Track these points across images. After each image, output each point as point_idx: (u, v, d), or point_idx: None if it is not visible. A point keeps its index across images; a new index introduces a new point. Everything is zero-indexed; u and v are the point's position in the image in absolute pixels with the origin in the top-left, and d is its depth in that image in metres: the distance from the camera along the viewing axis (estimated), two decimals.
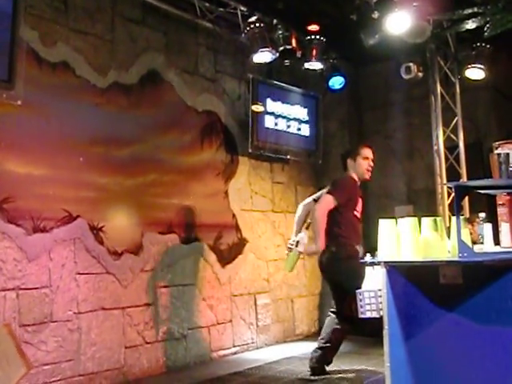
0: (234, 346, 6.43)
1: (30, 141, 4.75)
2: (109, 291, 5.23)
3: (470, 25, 6.28)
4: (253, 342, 6.66)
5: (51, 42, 4.94)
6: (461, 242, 3.11)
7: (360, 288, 4.17)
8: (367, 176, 5.24)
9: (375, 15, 6.00)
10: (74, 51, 5.12)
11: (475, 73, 6.80)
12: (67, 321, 4.87)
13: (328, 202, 5.00)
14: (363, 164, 5.19)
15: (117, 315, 5.27)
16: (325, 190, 5.20)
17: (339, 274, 5.00)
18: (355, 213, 5.19)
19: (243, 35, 6.10)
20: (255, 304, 6.76)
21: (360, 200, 5.22)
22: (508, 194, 3.39)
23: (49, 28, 4.93)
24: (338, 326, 5.05)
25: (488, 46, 6.63)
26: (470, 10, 6.07)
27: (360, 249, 5.08)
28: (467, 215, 6.25)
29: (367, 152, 5.23)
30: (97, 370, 5.04)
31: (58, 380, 4.75)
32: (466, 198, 6.38)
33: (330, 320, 5.15)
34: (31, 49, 4.77)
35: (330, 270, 5.13)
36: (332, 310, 5.16)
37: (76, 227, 5.02)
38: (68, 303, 4.89)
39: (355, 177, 5.22)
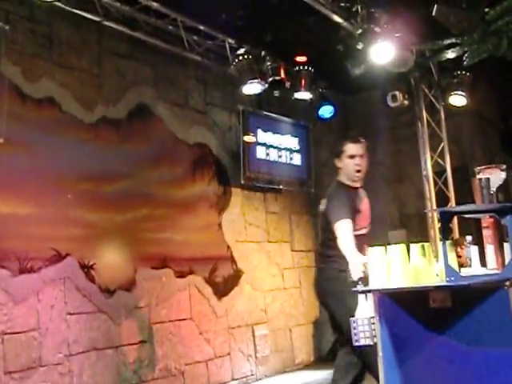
0: (233, 380, 5.88)
1: (15, 179, 4.26)
2: (101, 330, 4.69)
3: (450, 54, 6.21)
4: (252, 374, 6.10)
5: (35, 77, 4.48)
6: (448, 267, 3.01)
7: (353, 316, 3.71)
8: (356, 178, 3.84)
9: (360, 46, 5.78)
10: (59, 86, 4.65)
11: (458, 99, 6.62)
12: (57, 364, 4.33)
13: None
14: (350, 164, 3.81)
15: (110, 355, 4.72)
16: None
17: (327, 296, 3.89)
18: (355, 232, 3.80)
19: (232, 67, 5.69)
20: (253, 335, 6.21)
21: (364, 209, 3.88)
22: (491, 216, 3.19)
23: (32, 63, 4.48)
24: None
25: (468, 73, 6.50)
26: (448, 41, 5.97)
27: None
28: (456, 238, 6.01)
29: (352, 148, 3.84)
30: None
31: None
32: (456, 222, 6.17)
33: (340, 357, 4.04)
34: (14, 85, 4.29)
35: (318, 291, 3.99)
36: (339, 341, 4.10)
37: (65, 266, 4.51)
38: (58, 345, 4.35)
39: (346, 181, 3.87)
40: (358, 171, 3.83)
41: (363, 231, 3.82)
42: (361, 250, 3.67)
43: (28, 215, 4.29)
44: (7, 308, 4.06)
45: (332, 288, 3.78)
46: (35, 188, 4.36)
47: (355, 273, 3.40)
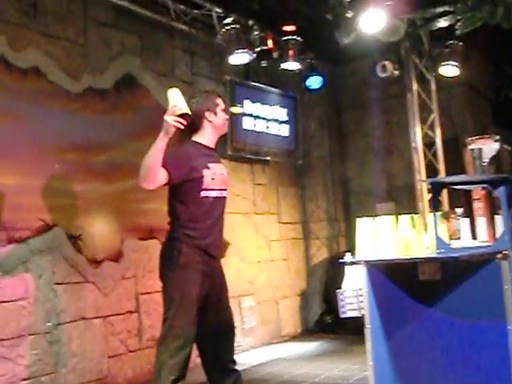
0: None
1: (2, 149, 4.39)
2: (89, 300, 4.90)
3: (442, 23, 6.22)
4: (238, 346, 6.31)
5: (21, 47, 4.58)
6: (438, 239, 3.10)
7: (339, 288, 3.89)
8: (226, 130, 3.87)
9: (349, 14, 5.85)
10: (45, 56, 4.76)
11: (449, 70, 6.69)
12: (46, 333, 4.53)
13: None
14: (223, 117, 3.74)
15: (98, 324, 4.95)
16: None
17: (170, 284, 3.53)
18: (205, 193, 3.54)
19: (219, 37, 5.83)
20: (240, 307, 6.44)
21: (217, 171, 3.64)
22: (483, 188, 3.29)
23: (18, 33, 4.58)
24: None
25: (460, 43, 6.52)
26: (441, 9, 6.00)
27: (212, 246, 3.62)
28: (446, 210, 6.14)
29: (223, 103, 3.80)
30: (78, 382, 4.71)
31: None
32: (446, 194, 6.24)
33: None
34: None
35: (161, 276, 3.59)
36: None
37: (53, 236, 4.69)
38: (47, 315, 4.56)
39: (206, 139, 3.68)
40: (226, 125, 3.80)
41: (215, 194, 3.59)
42: (210, 214, 3.57)
43: (15, 185, 4.43)
44: None
45: (163, 269, 3.58)
46: (22, 158, 4.51)
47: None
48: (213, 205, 3.60)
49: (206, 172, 3.56)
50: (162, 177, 3.44)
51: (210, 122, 3.68)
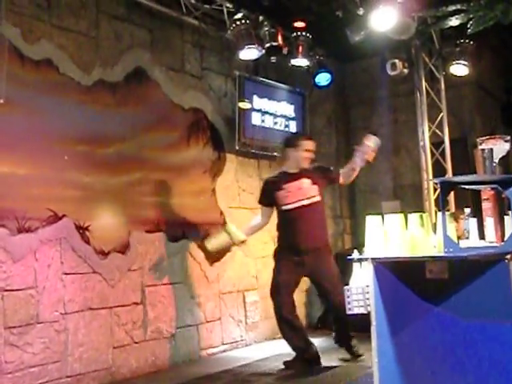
0: (223, 344, 6.27)
1: (14, 139, 4.54)
2: (96, 291, 5.05)
3: (454, 21, 6.28)
4: (242, 340, 6.51)
5: (34, 39, 4.73)
6: (446, 238, 3.11)
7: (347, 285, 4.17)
8: (305, 164, 5.33)
9: (360, 12, 5.95)
10: (57, 48, 4.91)
11: (459, 69, 6.79)
12: (54, 322, 4.69)
13: None
14: (304, 155, 5.31)
15: (104, 315, 5.10)
16: None
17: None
18: (283, 207, 5.28)
19: (229, 32, 5.96)
20: (244, 301, 6.60)
21: (294, 187, 5.24)
22: (492, 188, 3.34)
23: (31, 25, 4.72)
24: None
25: (471, 42, 6.61)
26: (453, 7, 6.06)
27: (301, 243, 5.21)
28: (453, 210, 6.21)
29: (309, 144, 5.37)
30: (84, 371, 4.87)
31: (45, 382, 4.57)
32: (452, 194, 6.27)
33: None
34: (13, 46, 4.55)
35: None
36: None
37: (62, 227, 4.83)
38: (54, 304, 4.71)
39: (290, 168, 5.38)
40: (307, 160, 5.30)
41: (292, 206, 5.21)
42: (296, 221, 5.20)
43: (26, 175, 4.58)
44: (6, 266, 4.38)
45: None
46: (33, 149, 4.65)
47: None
48: (295, 214, 5.20)
49: (279, 192, 5.24)
50: (268, 213, 5.49)
51: (289, 155, 5.35)
